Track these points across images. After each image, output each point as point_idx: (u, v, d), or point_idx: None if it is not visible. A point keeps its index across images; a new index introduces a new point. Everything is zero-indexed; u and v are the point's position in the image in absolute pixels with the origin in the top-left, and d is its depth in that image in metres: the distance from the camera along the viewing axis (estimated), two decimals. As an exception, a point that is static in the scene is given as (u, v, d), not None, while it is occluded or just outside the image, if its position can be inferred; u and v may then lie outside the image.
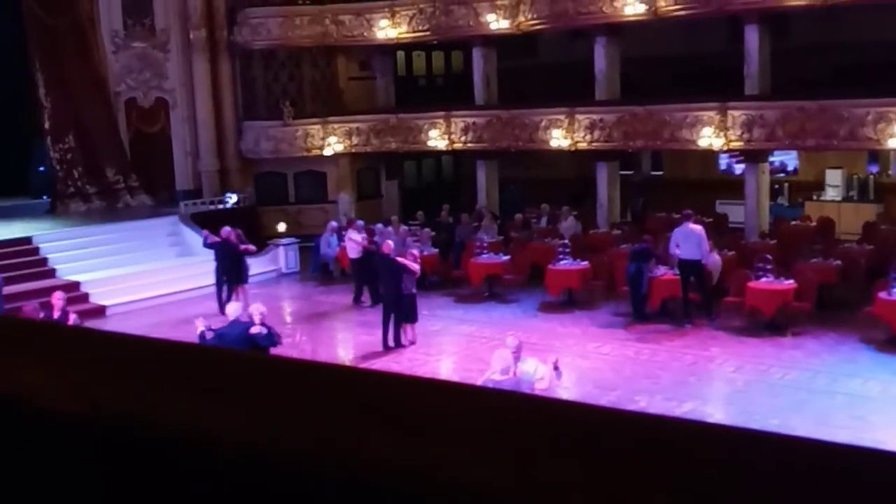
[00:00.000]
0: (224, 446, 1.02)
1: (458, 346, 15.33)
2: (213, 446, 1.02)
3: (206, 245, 17.73)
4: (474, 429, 1.02)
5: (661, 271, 15.96)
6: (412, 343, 15.03)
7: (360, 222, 21.40)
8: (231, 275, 17.31)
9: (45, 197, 24.44)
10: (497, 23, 22.22)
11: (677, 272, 15.76)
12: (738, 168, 22.17)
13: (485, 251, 18.49)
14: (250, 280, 17.96)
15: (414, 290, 14.97)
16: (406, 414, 1.07)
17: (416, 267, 14.90)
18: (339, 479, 0.94)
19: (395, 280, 14.72)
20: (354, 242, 18.28)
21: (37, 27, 23.13)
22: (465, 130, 23.39)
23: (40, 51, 23.30)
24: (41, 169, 24.85)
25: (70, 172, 23.78)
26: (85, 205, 23.84)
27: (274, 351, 13.26)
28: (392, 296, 14.85)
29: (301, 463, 0.97)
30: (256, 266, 21.34)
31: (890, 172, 22.88)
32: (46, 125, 23.58)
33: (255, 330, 10.72)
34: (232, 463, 1.00)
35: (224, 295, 17.15)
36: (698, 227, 15.76)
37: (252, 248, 18.03)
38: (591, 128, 21.18)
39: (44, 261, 19.33)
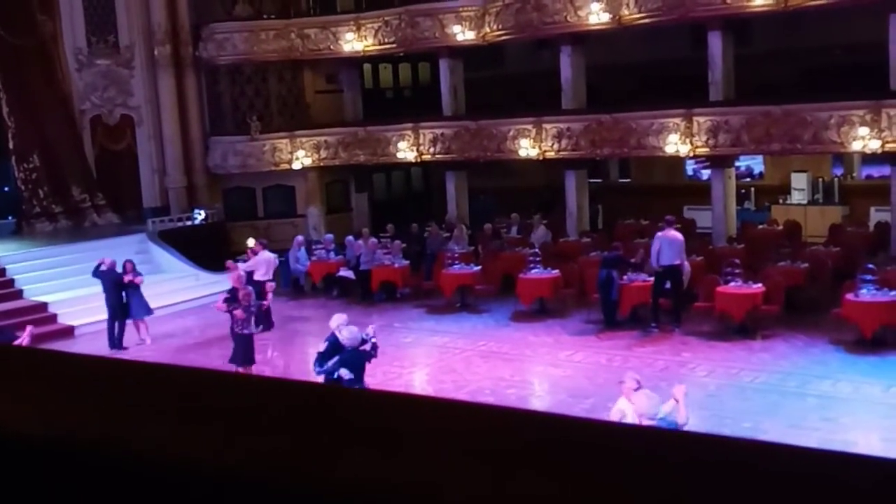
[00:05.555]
0: (197, 467, 1.00)
1: (431, 358, 15.31)
2: (187, 468, 1.01)
3: (94, 272, 16.42)
4: (448, 442, 1.01)
5: (632, 278, 16.03)
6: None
7: (329, 236, 21.39)
8: (117, 308, 16.27)
9: (10, 217, 24.19)
10: (463, 34, 22.30)
11: (647, 278, 15.84)
12: (705, 174, 22.35)
13: (456, 262, 18.49)
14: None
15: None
16: (380, 428, 1.05)
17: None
18: (315, 496, 0.93)
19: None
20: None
21: (-1, 47, 22.94)
22: (434, 142, 23.44)
23: (3, 70, 23.08)
24: (6, 189, 24.59)
25: (35, 192, 23.56)
26: (51, 224, 23.62)
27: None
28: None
29: (277, 481, 0.95)
30: (229, 282, 21.20)
31: (854, 175, 23.16)
32: (10, 145, 23.36)
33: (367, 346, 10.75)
34: (206, 484, 0.98)
35: (117, 330, 16.32)
36: (680, 235, 15.88)
37: (139, 279, 16.45)
38: (558, 136, 21.29)
39: (10, 282, 19.13)
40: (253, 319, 13.56)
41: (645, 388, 9.03)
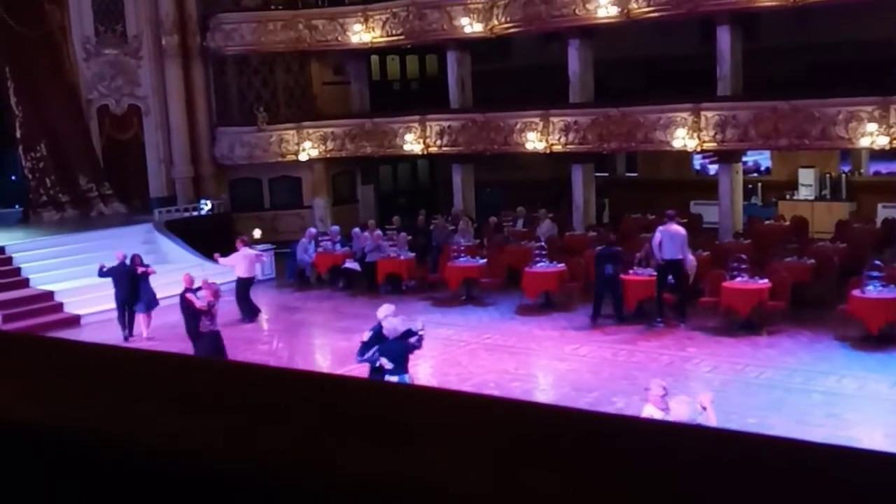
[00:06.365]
0: (197, 457, 1.00)
1: (436, 351, 15.29)
2: (189, 460, 1.01)
3: (101, 274, 16.65)
4: (452, 435, 1.01)
5: (638, 272, 16.00)
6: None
7: (336, 228, 21.39)
8: (130, 300, 16.58)
9: (17, 206, 24.24)
10: (471, 26, 22.26)
11: (653, 272, 15.81)
12: (712, 168, 22.31)
13: (462, 255, 18.50)
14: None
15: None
16: (383, 421, 1.05)
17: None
18: (317, 489, 0.93)
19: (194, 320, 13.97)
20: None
21: (7, 36, 22.94)
22: (441, 134, 23.41)
23: (11, 60, 23.11)
24: (13, 178, 24.64)
25: (42, 181, 23.60)
26: (58, 213, 23.66)
27: (250, 359, 13.23)
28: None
29: (279, 473, 0.95)
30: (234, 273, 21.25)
31: (862, 171, 23.10)
32: (18, 134, 23.40)
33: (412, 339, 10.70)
34: (208, 476, 0.98)
35: (126, 319, 16.65)
36: (682, 229, 15.85)
37: (151, 270, 16.86)
38: (565, 130, 21.26)
39: (17, 270, 19.17)
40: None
41: (681, 394, 8.97)
